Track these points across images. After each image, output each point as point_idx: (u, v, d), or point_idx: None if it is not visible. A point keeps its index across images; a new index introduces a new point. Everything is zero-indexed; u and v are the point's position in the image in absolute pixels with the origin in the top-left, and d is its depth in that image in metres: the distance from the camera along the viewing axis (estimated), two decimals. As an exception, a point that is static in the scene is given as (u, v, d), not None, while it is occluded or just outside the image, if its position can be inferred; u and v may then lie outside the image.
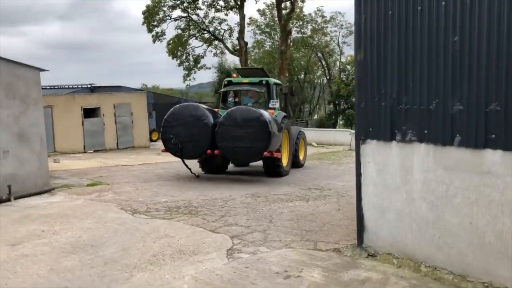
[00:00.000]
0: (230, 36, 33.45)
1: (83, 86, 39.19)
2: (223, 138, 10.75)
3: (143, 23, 30.88)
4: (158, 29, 31.42)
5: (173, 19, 31.53)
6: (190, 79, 33.93)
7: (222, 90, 13.68)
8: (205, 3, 31.79)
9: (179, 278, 4.77)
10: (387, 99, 5.04)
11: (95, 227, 6.88)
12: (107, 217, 7.52)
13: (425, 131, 4.74)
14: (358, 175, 5.45)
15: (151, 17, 30.36)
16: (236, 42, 30.74)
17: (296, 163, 13.70)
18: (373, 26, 5.10)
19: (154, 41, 31.35)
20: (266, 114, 10.86)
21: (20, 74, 9.65)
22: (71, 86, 40.13)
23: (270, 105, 12.85)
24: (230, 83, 13.61)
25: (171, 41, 32.11)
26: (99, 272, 4.98)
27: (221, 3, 31.81)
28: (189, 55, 32.66)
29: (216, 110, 12.48)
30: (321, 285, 4.56)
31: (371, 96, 5.19)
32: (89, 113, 25.08)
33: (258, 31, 42.74)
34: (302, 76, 46.00)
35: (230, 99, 13.97)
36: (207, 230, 6.70)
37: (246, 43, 29.09)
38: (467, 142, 4.42)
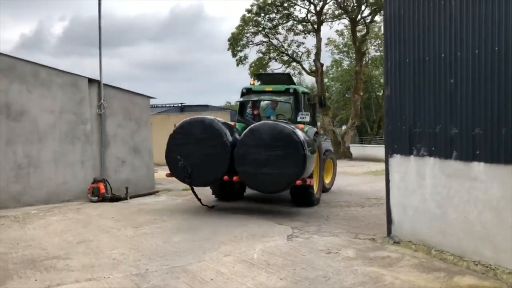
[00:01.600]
0: (307, 58, 35.46)
1: (174, 106, 43.22)
2: (244, 162, 8.67)
3: (228, 49, 33.93)
4: (241, 54, 34.29)
5: (255, 44, 34.24)
6: (269, 98, 36.34)
7: (240, 100, 11.26)
8: (285, 28, 34.15)
9: (251, 250, 6.80)
10: (406, 124, 6.75)
11: (192, 218, 9.16)
12: (199, 211, 9.80)
13: (433, 148, 6.38)
14: (387, 181, 7.17)
15: (235, 43, 33.32)
16: (313, 63, 32.61)
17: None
18: (396, 69, 6.86)
19: (237, 65, 34.29)
20: (299, 132, 8.82)
21: (135, 101, 12.42)
22: (165, 105, 44.27)
23: (299, 119, 10.57)
24: (249, 91, 11.17)
25: (253, 64, 34.81)
26: (197, 245, 7.14)
27: (300, 27, 34.00)
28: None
29: (232, 124, 10.29)
30: (352, 258, 6.34)
31: (395, 122, 6.92)
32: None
33: (336, 51, 44.47)
34: (380, 93, 46.74)
35: (248, 110, 11.53)
36: (275, 223, 8.70)
37: (322, 65, 30.82)
38: (461, 156, 6.01)
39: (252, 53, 38.17)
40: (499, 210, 5.57)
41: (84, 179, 11.48)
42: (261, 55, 35.06)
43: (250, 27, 33.90)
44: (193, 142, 9.00)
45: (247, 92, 11.17)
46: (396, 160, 6.99)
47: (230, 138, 9.00)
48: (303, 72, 36.23)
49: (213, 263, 6.16)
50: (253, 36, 34.07)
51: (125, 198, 11.42)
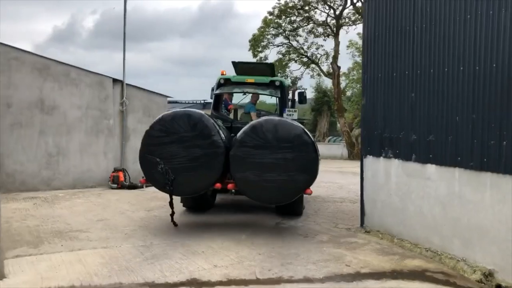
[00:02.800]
0: (326, 60, 36.45)
1: (196, 102, 44.73)
2: (243, 166, 7.19)
3: (249, 49, 35.25)
4: (262, 54, 35.52)
5: (275, 45, 35.46)
6: (288, 99, 37.61)
7: (216, 92, 9.85)
8: (305, 30, 35.22)
9: (241, 232, 8.00)
10: (377, 130, 7.84)
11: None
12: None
13: (397, 151, 7.46)
14: (361, 178, 8.28)
15: (256, 44, 34.59)
16: (331, 66, 33.57)
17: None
18: (370, 83, 7.95)
19: (258, 65, 35.61)
20: (304, 129, 7.62)
21: (154, 99, 13.79)
22: (187, 102, 45.78)
23: (285, 116, 9.36)
24: (227, 82, 9.77)
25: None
26: (197, 226, 8.39)
27: (320, 30, 35.02)
28: (287, 77, 36.21)
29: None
30: (324, 242, 7.48)
31: (369, 128, 8.02)
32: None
33: (357, 53, 45.25)
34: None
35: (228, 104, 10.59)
36: (266, 214, 9.89)
37: (339, 67, 31.75)
38: (418, 159, 7.07)
39: (272, 54, 39.23)
40: (445, 205, 6.62)
41: (106, 168, 12.93)
42: (280, 56, 36.22)
43: (271, 29, 35.09)
44: (177, 141, 7.24)
45: (225, 83, 9.76)
46: (369, 161, 8.09)
47: (223, 137, 7.42)
48: (321, 74, 37.22)
49: (207, 240, 7.40)
50: (273, 37, 35.26)
51: (141, 187, 12.77)
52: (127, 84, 13.19)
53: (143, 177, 7.67)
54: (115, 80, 13.05)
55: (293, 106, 10.59)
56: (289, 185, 7.22)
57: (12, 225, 8.01)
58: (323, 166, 8.83)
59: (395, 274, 6.05)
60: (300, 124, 7.83)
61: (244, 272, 5.87)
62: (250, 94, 10.48)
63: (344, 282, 5.65)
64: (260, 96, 10.60)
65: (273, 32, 34.84)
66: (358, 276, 5.90)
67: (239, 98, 11.16)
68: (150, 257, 6.39)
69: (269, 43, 35.28)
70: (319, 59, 36.31)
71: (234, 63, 10.09)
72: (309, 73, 38.03)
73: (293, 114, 9.60)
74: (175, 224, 8.06)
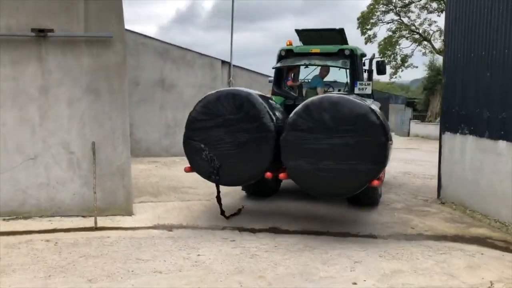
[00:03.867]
0: (440, 36, 34.94)
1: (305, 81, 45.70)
2: (295, 153, 6.24)
3: (357, 27, 35.16)
4: (370, 32, 35.25)
5: (385, 22, 34.90)
6: (396, 77, 36.89)
7: (277, 65, 8.58)
8: (418, 6, 34.11)
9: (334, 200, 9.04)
10: (455, 107, 8.28)
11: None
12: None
13: (472, 128, 7.87)
14: (439, 153, 8.78)
15: (365, 22, 34.39)
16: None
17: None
18: (451, 62, 8.37)
19: (366, 43, 35.40)
20: (376, 109, 6.43)
21: (256, 79, 15.18)
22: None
23: (357, 90, 8.08)
24: (290, 53, 8.56)
25: (382, 42, 35.57)
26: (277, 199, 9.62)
27: (434, 5, 33.65)
28: (396, 54, 35.55)
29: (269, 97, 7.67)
30: (397, 209, 8.21)
31: (448, 105, 8.47)
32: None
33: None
34: None
35: (292, 79, 9.29)
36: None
37: (452, 44, 30.50)
38: (491, 135, 7.46)
39: (382, 31, 38.63)
40: (514, 180, 7.00)
41: (214, 139, 14.74)
42: (390, 33, 35.57)
43: (381, 5, 34.56)
44: (222, 125, 6.58)
45: (286, 54, 8.57)
46: (447, 137, 8.57)
47: (274, 119, 6.54)
48: (433, 51, 35.87)
49: (285, 206, 8.55)
50: (383, 14, 34.71)
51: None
52: (233, 65, 14.74)
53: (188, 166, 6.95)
54: (223, 62, 14.66)
55: (370, 77, 9.20)
56: (349, 176, 6.03)
57: (139, 181, 9.98)
58: (426, 145, 8.90)
59: (456, 238, 6.66)
60: (366, 102, 6.48)
61: (317, 227, 6.93)
62: (319, 67, 9.01)
63: (405, 241, 6.42)
64: (332, 68, 9.03)
65: (383, 9, 34.30)
66: (419, 236, 6.63)
67: (308, 72, 9.50)
68: (243, 211, 7.73)
69: (379, 20, 34.82)
70: (431, 36, 34.99)
71: (297, 31, 8.90)
72: (420, 51, 36.85)
73: (366, 88, 8.08)
74: (225, 216, 7.15)
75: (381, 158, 6.11)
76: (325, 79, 9.39)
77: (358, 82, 8.20)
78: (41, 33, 6.48)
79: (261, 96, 6.84)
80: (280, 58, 8.63)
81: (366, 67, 9.17)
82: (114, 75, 6.84)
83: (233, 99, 6.62)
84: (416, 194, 9.75)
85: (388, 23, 35.03)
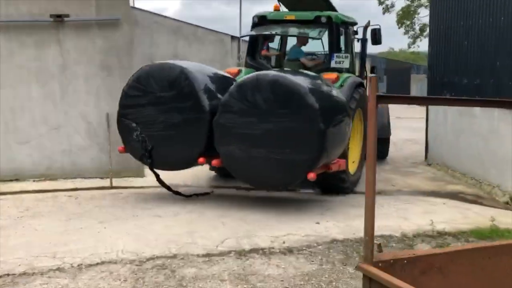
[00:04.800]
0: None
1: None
2: (227, 138, 5.66)
3: (374, -3, 34.96)
4: (388, 2, 35.05)
5: (403, -9, 34.60)
6: (414, 47, 36.74)
7: (250, 33, 7.78)
8: (436, -26, 33.71)
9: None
10: (439, 75, 8.89)
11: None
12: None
13: (453, 93, 8.50)
14: (427, 118, 9.45)
15: (381, -9, 34.22)
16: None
17: (384, 150, 9.47)
18: (435, 33, 8.94)
19: (383, 13, 35.26)
20: (315, 88, 5.67)
21: (266, 53, 15.89)
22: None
23: (333, 63, 7.18)
24: (263, 20, 7.63)
25: (400, 12, 35.35)
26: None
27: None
28: (415, 24, 35.36)
29: (232, 73, 7.10)
30: (385, 170, 8.95)
31: (433, 73, 9.08)
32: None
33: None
34: None
35: (268, 49, 8.13)
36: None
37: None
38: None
39: (399, 1, 38.23)
40: (486, 139, 7.66)
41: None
42: (408, 2, 35.28)
43: (399, -26, 34.24)
44: (155, 103, 5.97)
45: (259, 21, 7.63)
46: (432, 103, 9.21)
47: (212, 99, 5.87)
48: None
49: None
50: (400, -17, 34.41)
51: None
52: (243, 41, 15.44)
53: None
54: (233, 37, 15.40)
55: (363, 47, 8.45)
56: (282, 167, 5.44)
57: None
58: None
59: (431, 193, 7.43)
60: (308, 80, 5.81)
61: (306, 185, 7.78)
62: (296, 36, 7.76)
63: (384, 195, 7.17)
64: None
65: (401, -22, 33.98)
66: (396, 192, 7.41)
67: (290, 41, 8.31)
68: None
69: (396, -11, 34.54)
70: (450, 4, 34.62)
71: None
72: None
73: (343, 61, 7.20)
74: (185, 195, 6.53)
75: (318, 147, 5.31)
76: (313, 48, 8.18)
77: (335, 55, 7.23)
78: (59, 18, 7.41)
79: (203, 71, 6.20)
80: (254, 25, 7.74)
81: (359, 35, 8.36)
82: (124, 53, 7.73)
83: (166, 74, 5.96)
84: (408, 158, 10.45)
85: (406, -8, 34.73)
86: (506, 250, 2.58)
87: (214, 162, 5.91)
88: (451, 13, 8.43)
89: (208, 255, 4.36)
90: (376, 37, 8.39)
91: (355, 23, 8.27)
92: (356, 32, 8.32)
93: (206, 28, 15.14)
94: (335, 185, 6.77)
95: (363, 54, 8.60)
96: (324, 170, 5.83)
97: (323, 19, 7.26)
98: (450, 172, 8.66)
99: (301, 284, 3.79)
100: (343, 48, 7.57)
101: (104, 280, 3.77)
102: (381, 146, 8.78)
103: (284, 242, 4.73)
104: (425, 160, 9.62)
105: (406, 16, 34.77)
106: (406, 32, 36.08)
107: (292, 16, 7.55)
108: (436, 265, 2.41)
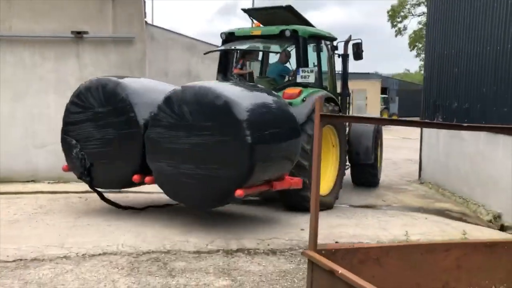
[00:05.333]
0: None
1: (338, 73, 46.29)
2: (158, 153, 5.47)
3: (388, 20, 35.68)
4: (400, 25, 35.70)
5: (415, 15, 35.23)
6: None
7: (217, 49, 7.80)
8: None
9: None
10: (432, 98, 9.37)
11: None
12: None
13: (444, 116, 8.96)
14: (421, 139, 9.91)
15: (395, 15, 34.87)
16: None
17: (370, 177, 8.81)
18: (429, 59, 9.44)
19: (396, 36, 35.91)
20: (247, 100, 5.33)
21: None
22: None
23: (299, 78, 6.92)
24: (231, 37, 7.49)
25: (412, 34, 35.96)
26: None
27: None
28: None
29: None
30: (381, 185, 9.37)
31: (426, 97, 9.57)
32: (332, 95, 31.65)
33: None
34: None
35: (242, 67, 7.54)
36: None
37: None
38: (458, 122, 8.53)
39: (412, 24, 38.77)
40: (472, 161, 8.09)
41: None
42: (421, 26, 35.84)
43: (412, -2, 34.95)
44: (92, 119, 5.91)
45: (227, 38, 7.51)
46: (426, 124, 9.68)
47: (147, 114, 5.64)
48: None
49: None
50: (413, 7, 35.07)
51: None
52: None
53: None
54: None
55: (344, 63, 8.18)
56: (210, 184, 5.16)
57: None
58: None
59: (418, 209, 7.83)
60: (257, 93, 5.67)
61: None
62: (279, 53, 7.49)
63: (368, 209, 7.58)
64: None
65: (414, 2, 34.65)
66: (385, 207, 7.84)
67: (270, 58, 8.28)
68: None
69: (409, 13, 35.20)
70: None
71: (245, 11, 7.94)
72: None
73: (309, 76, 6.86)
74: (123, 207, 6.40)
75: (246, 162, 4.96)
76: None
77: (301, 69, 6.94)
78: (79, 35, 8.11)
79: (145, 85, 6.09)
80: (223, 42, 7.63)
81: (340, 51, 8.11)
82: (136, 69, 8.38)
83: (102, 88, 5.87)
84: (404, 176, 10.88)
85: (418, 15, 35.36)
86: (435, 248, 3.07)
87: (147, 179, 5.67)
88: (443, 41, 8.95)
89: (198, 252, 4.87)
90: (358, 52, 8.03)
91: (332, 38, 7.96)
92: (335, 48, 8.02)
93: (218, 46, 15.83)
94: (298, 203, 6.52)
95: (344, 70, 8.29)
96: (268, 189, 5.53)
97: (287, 33, 6.96)
98: (441, 190, 9.07)
99: (276, 279, 4.27)
100: (315, 63, 7.26)
101: (104, 268, 4.31)
102: (366, 172, 8.67)
103: (268, 245, 5.22)
104: (418, 179, 10.04)
105: (418, 39, 35.27)
106: (418, 55, 36.55)
107: (258, 31, 7.40)
108: (373, 257, 2.90)
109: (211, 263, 4.58)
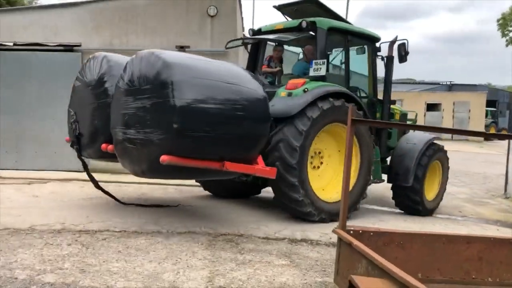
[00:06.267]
0: None
1: (442, 84, 44.50)
2: (114, 119, 5.52)
3: (498, 29, 33.59)
4: (512, 34, 33.39)
5: (529, 24, 32.76)
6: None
7: (227, 45, 7.83)
8: None
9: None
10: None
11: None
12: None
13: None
14: (507, 155, 9.72)
15: (506, 23, 32.75)
16: None
17: (409, 202, 7.56)
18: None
19: (507, 45, 33.58)
20: (186, 63, 5.08)
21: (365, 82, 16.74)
22: (430, 82, 45.88)
23: (311, 72, 6.62)
24: (258, 33, 7.57)
25: (526, 44, 33.44)
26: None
27: None
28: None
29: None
30: (462, 197, 9.39)
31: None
32: (432, 107, 30.79)
33: None
34: None
35: (269, 64, 7.56)
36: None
37: None
38: None
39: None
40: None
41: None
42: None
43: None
44: (83, 90, 6.18)
45: (255, 34, 7.58)
46: (514, 138, 9.49)
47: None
48: None
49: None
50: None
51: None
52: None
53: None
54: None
55: (388, 66, 7.41)
56: (146, 149, 4.98)
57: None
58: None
59: (493, 222, 7.82)
60: (177, 57, 5.22)
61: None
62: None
63: (445, 218, 7.74)
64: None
65: (528, 10, 32.31)
66: (461, 217, 7.93)
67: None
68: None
69: (522, 21, 32.88)
70: None
71: (276, 7, 7.80)
72: None
73: (320, 69, 6.56)
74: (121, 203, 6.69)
75: (172, 125, 4.72)
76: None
77: (314, 62, 6.68)
78: (182, 49, 9.35)
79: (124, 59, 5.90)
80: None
81: (383, 53, 7.51)
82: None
83: (95, 61, 6.18)
84: (490, 190, 10.66)
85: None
86: (457, 240, 3.49)
87: (109, 147, 5.66)
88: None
89: (266, 238, 5.61)
90: (402, 53, 7.29)
91: (371, 37, 7.40)
92: (378, 49, 7.51)
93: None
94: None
95: (388, 74, 7.52)
96: (218, 167, 5.03)
97: (304, 24, 6.74)
98: (525, 205, 8.88)
99: (330, 264, 4.86)
100: (323, 55, 6.64)
101: (187, 242, 5.22)
102: (404, 196, 7.52)
103: (331, 238, 5.78)
104: (504, 193, 9.84)
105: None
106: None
107: (281, 25, 7.30)
108: (396, 241, 3.42)
109: (276, 247, 5.29)
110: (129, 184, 8.45)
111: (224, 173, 5.28)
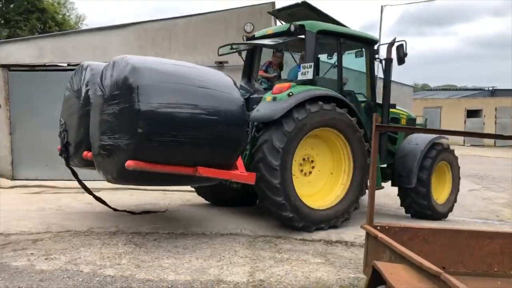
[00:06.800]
0: None
1: (484, 89, 43.44)
2: (92, 127, 5.55)
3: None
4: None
5: None
6: None
7: (220, 52, 7.55)
8: None
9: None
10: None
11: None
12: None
13: None
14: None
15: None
16: None
17: (415, 205, 7.44)
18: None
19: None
20: (153, 68, 4.95)
21: (401, 89, 16.88)
22: (472, 88, 44.80)
23: (300, 76, 6.54)
24: (252, 39, 7.47)
25: None
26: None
27: None
28: None
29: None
30: (500, 202, 9.41)
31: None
32: (472, 113, 30.25)
33: None
34: None
35: (267, 69, 7.64)
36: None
37: None
38: None
39: None
40: None
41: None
42: None
43: None
44: (73, 99, 6.19)
45: (249, 40, 7.49)
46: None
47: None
48: None
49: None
50: None
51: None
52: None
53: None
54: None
55: (386, 68, 7.15)
56: (114, 155, 4.95)
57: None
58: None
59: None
60: (146, 61, 5.05)
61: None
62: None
63: (486, 224, 7.82)
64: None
65: None
66: (498, 222, 7.98)
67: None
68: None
69: None
70: None
71: (271, 13, 7.80)
72: None
73: (307, 72, 6.44)
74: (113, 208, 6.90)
75: (136, 130, 4.64)
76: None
77: (302, 65, 6.58)
78: (220, 64, 9.91)
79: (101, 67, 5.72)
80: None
81: (381, 56, 7.30)
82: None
83: (75, 72, 6.36)
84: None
85: None
86: (479, 235, 3.76)
87: (88, 155, 5.76)
88: None
89: (303, 239, 5.98)
90: (401, 55, 6.96)
91: (367, 39, 7.18)
92: (376, 52, 7.26)
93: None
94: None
95: (386, 77, 7.29)
96: (191, 173, 4.99)
97: (292, 28, 6.58)
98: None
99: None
100: (310, 59, 6.47)
101: (229, 242, 5.67)
102: (408, 198, 7.40)
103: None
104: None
105: None
106: None
107: (271, 30, 7.31)
108: (421, 236, 3.73)
109: (312, 248, 5.65)
110: (174, 192, 9.03)
111: (200, 179, 5.19)
